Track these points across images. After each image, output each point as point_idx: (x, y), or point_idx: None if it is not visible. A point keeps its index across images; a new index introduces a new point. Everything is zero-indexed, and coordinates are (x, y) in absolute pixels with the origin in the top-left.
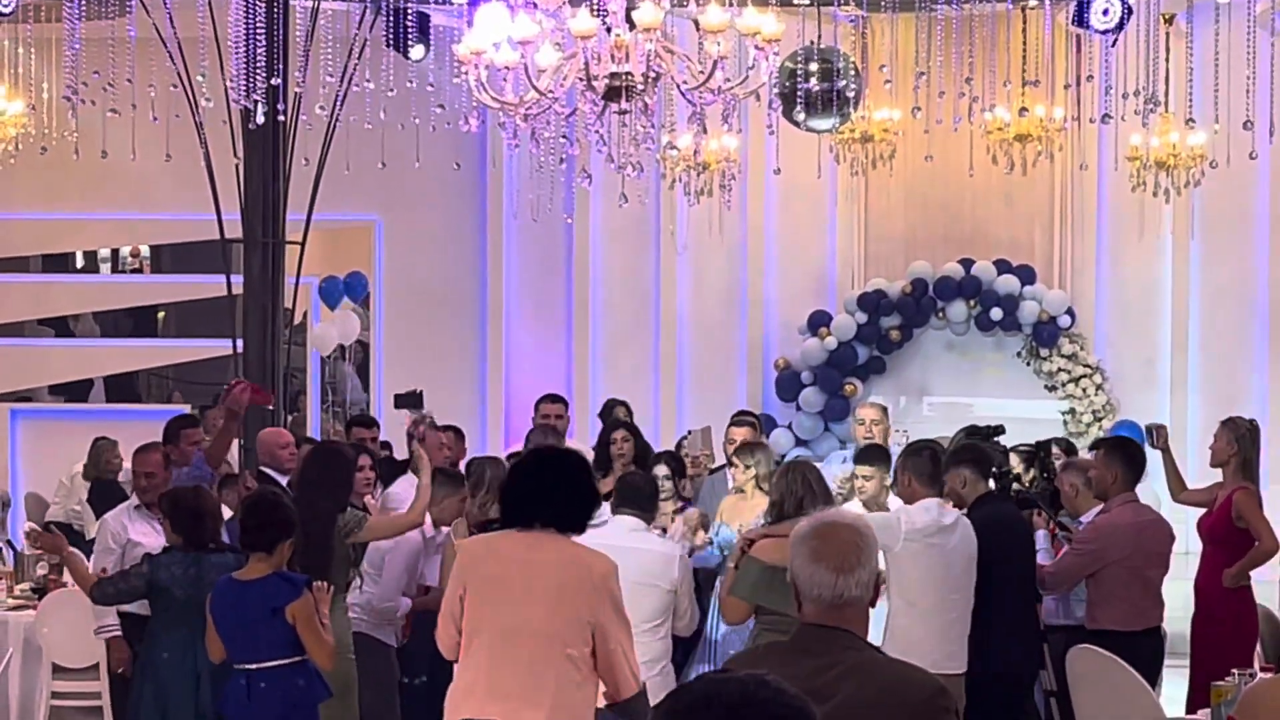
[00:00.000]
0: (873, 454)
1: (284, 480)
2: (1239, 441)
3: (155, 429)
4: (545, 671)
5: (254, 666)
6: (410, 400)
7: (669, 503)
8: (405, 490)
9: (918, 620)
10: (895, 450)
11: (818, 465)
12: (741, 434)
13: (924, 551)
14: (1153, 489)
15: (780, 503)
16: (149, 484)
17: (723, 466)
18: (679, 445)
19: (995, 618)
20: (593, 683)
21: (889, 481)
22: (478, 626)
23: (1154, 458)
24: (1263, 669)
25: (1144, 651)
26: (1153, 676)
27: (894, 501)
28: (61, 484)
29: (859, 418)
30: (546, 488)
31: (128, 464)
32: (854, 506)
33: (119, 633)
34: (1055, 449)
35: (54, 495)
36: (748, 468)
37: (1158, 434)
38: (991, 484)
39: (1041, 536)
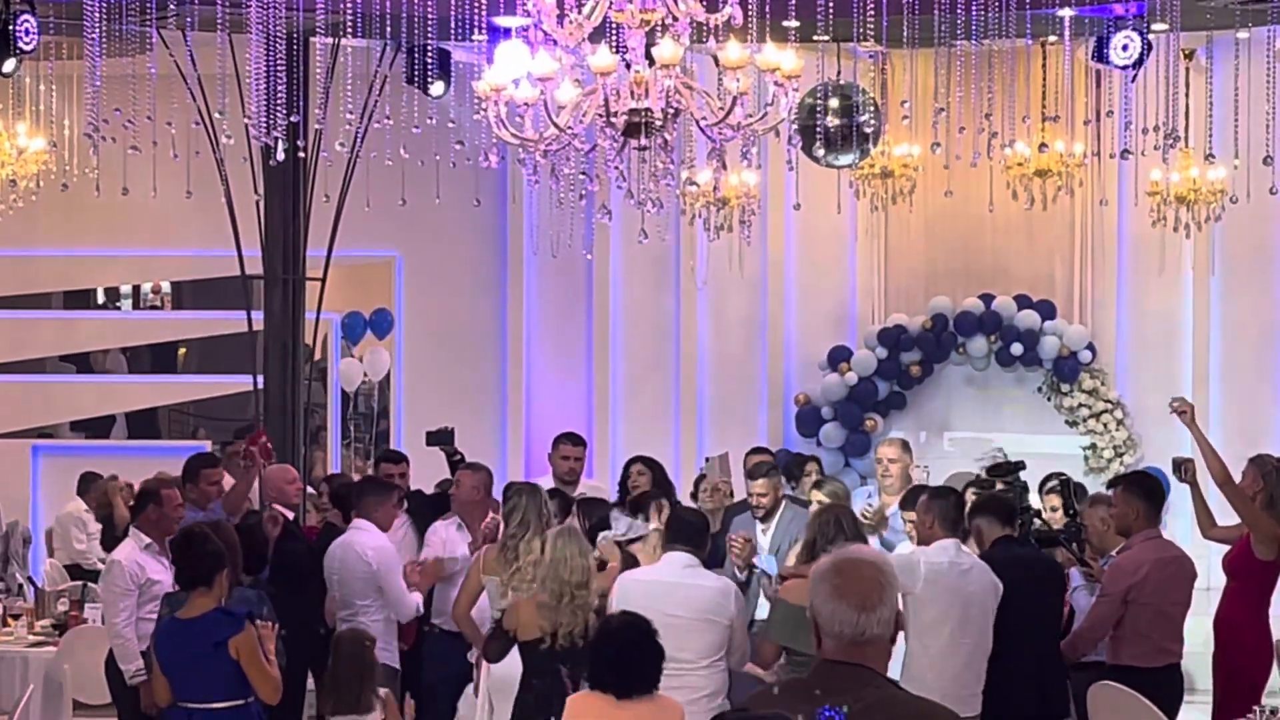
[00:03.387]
0: (914, 497)
1: (290, 515)
2: (1265, 479)
3: (175, 465)
4: None
5: (196, 705)
6: (442, 437)
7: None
8: (446, 531)
9: (931, 662)
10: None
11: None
12: (759, 486)
13: (941, 594)
14: (1173, 525)
15: (812, 543)
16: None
17: (744, 501)
18: (701, 476)
19: (1014, 660)
20: None
21: None
22: None
23: (1178, 494)
24: None
25: (1163, 688)
26: (1171, 713)
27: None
28: (57, 532)
29: (877, 456)
30: (620, 663)
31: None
32: (903, 545)
33: (145, 677)
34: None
35: (56, 540)
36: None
37: (1185, 469)
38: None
39: (1076, 574)
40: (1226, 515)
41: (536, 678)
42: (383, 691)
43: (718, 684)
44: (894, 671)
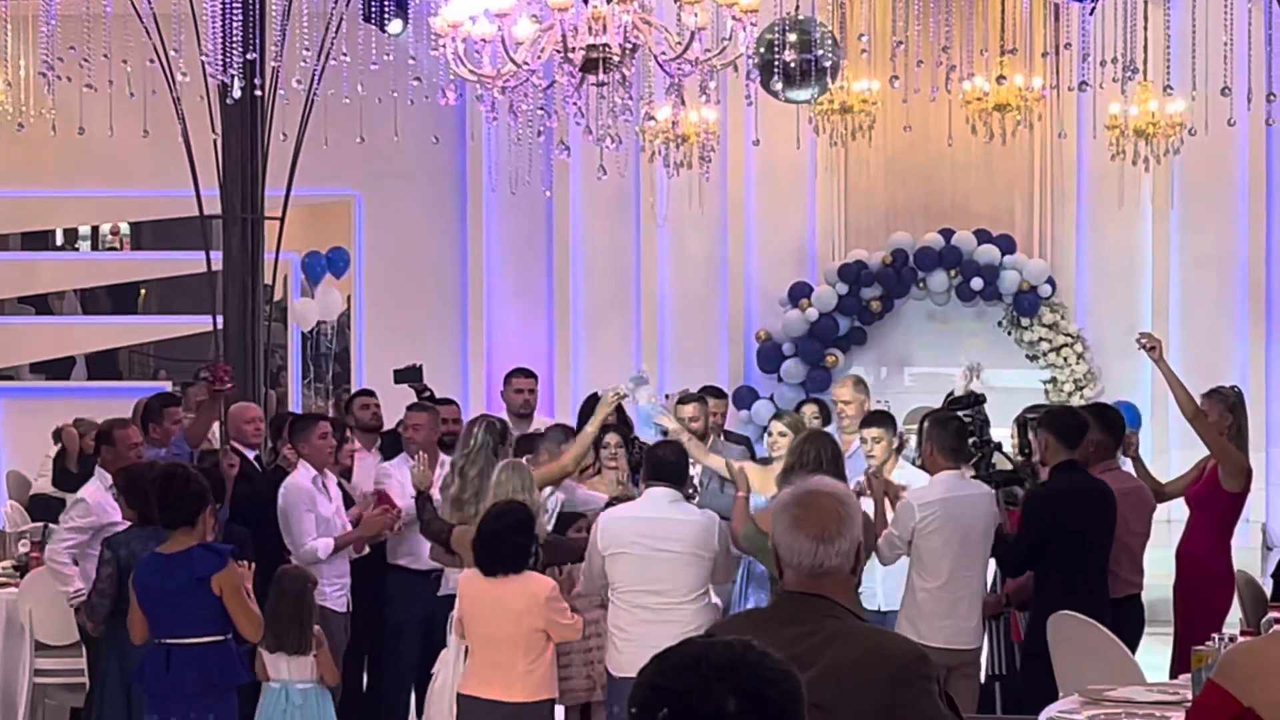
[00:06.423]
0: (877, 418)
1: (251, 454)
2: (1232, 411)
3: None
4: (516, 664)
5: (175, 641)
6: (410, 374)
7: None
8: (397, 470)
9: (930, 594)
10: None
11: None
12: (689, 410)
13: (939, 528)
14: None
15: (790, 469)
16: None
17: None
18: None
19: (1062, 594)
20: (549, 660)
21: (896, 444)
22: (472, 635)
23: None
24: (1243, 633)
25: (1123, 619)
26: (1132, 643)
27: (907, 472)
28: (45, 460)
29: (832, 397)
30: (487, 546)
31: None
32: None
33: (85, 597)
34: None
35: (38, 471)
36: (781, 435)
37: (1126, 443)
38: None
39: None
40: (1186, 445)
41: None
42: (316, 629)
43: (706, 618)
44: (895, 605)
